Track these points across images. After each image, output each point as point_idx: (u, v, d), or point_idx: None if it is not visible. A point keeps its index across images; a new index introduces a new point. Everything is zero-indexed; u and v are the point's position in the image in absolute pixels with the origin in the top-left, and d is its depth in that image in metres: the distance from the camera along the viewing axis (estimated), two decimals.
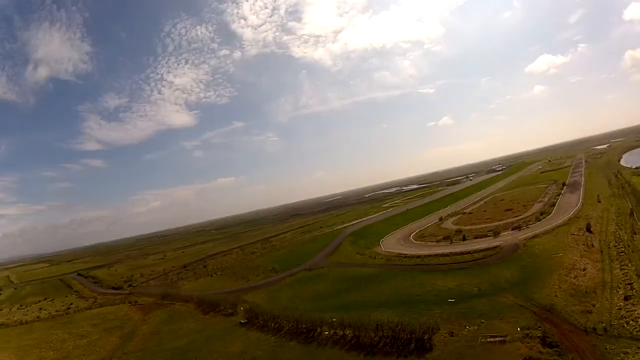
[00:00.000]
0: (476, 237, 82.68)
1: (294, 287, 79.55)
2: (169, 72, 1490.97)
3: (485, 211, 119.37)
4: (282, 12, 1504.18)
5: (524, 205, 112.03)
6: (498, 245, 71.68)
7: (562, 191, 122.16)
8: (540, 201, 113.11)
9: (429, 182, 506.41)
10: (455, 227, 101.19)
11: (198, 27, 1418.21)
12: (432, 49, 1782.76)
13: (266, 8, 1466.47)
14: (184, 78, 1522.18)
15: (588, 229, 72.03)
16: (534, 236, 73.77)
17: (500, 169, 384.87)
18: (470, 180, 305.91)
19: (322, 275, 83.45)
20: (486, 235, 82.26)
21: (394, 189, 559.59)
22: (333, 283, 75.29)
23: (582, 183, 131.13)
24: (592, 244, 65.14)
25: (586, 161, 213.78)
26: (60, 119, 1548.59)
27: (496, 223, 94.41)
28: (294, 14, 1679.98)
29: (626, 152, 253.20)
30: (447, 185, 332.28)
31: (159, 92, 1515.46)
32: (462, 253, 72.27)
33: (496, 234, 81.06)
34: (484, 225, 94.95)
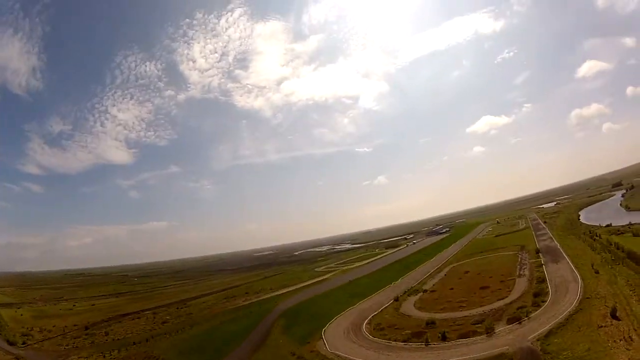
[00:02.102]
0: (461, 336, 64.31)
1: None
2: (113, 105, 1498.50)
3: (452, 289, 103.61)
4: (230, 58, 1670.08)
5: (501, 282, 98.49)
6: (503, 352, 53.47)
7: (542, 260, 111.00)
8: (521, 275, 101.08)
9: (364, 242, 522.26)
10: (422, 315, 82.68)
11: (148, 63, 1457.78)
12: (373, 107, 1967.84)
13: (216, 52, 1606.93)
14: (127, 114, 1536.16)
15: (614, 315, 59.02)
16: (549, 333, 57.69)
17: (444, 230, 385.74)
18: (414, 243, 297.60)
19: None
20: (475, 332, 64.48)
21: (325, 248, 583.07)
22: None
23: (560, 249, 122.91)
24: (630, 337, 51.48)
25: (545, 222, 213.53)
26: (6, 135, 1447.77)
27: (478, 310, 78.06)
28: (242, 61, 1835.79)
29: (581, 209, 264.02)
30: (386, 248, 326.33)
31: (102, 125, 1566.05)
32: None
33: (489, 329, 63.71)
34: (462, 314, 77.72)
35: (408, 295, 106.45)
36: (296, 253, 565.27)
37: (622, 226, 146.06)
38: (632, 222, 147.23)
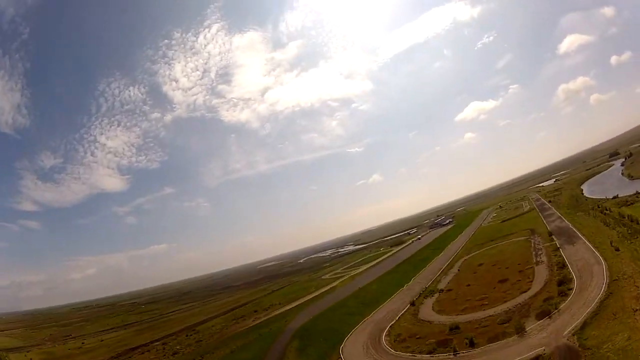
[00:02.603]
0: (491, 339, 61.08)
1: None
2: (102, 133, 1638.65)
3: (469, 285, 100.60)
4: (212, 74, 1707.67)
5: (520, 272, 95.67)
6: (540, 354, 50.47)
7: (557, 243, 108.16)
8: (539, 262, 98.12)
9: (366, 242, 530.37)
10: (443, 320, 79.56)
11: (131, 88, 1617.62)
12: (359, 107, 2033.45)
13: (197, 70, 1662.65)
14: (116, 141, 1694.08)
15: None
16: (584, 325, 54.91)
17: (447, 221, 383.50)
18: (419, 238, 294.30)
19: None
20: (505, 334, 61.35)
21: (329, 252, 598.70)
22: None
23: (573, 228, 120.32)
24: None
25: (550, 201, 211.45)
26: None
27: (502, 307, 74.91)
28: (224, 76, 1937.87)
29: (582, 183, 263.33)
30: (391, 246, 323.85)
31: (92, 155, 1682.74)
32: None
33: (519, 329, 60.54)
34: (486, 313, 74.55)
35: (424, 298, 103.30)
36: (300, 261, 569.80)
37: (630, 196, 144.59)
38: (639, 191, 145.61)
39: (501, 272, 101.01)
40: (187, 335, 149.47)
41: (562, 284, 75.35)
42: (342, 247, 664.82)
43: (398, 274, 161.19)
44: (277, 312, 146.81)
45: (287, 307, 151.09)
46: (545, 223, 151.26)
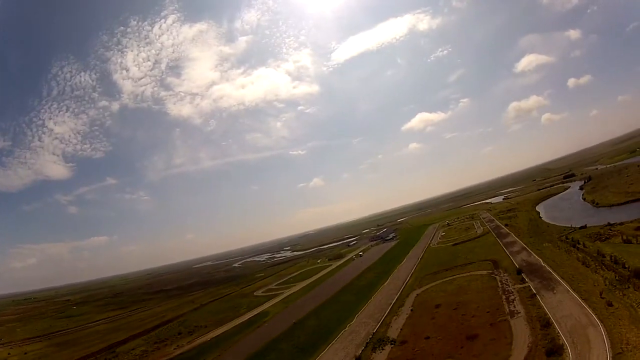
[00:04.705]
0: None
1: None
2: (50, 118, 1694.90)
3: (428, 338, 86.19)
4: (163, 66, 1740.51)
5: (491, 325, 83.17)
6: None
7: (531, 286, 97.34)
8: (514, 313, 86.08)
9: (304, 249, 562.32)
10: None
11: (82, 73, 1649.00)
12: (305, 110, 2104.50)
13: (149, 60, 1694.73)
14: (64, 127, 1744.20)
15: None
16: None
17: (391, 236, 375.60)
18: (360, 255, 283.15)
19: None
20: None
21: (265, 257, 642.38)
22: None
23: (546, 267, 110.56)
24: None
25: (506, 225, 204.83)
26: None
27: None
28: (175, 69, 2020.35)
29: (537, 204, 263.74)
30: (329, 259, 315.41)
31: (40, 139, 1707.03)
32: None
33: None
34: None
35: (372, 351, 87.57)
36: (235, 265, 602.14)
37: (602, 227, 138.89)
38: (611, 222, 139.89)
39: (467, 323, 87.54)
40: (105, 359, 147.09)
41: (552, 354, 62.45)
42: (278, 251, 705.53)
43: (339, 305, 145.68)
44: (202, 340, 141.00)
45: (214, 334, 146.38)
46: (508, 254, 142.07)
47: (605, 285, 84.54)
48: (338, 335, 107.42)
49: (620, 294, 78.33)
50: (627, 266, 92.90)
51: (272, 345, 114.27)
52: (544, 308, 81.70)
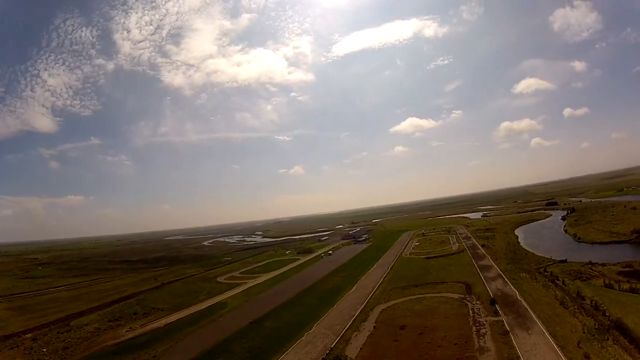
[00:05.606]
0: None
1: None
2: (45, 69, 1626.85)
3: None
4: (164, 32, 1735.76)
5: None
6: None
7: (504, 321, 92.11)
8: (484, 350, 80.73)
9: (275, 237, 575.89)
10: None
11: (84, 29, 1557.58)
12: (298, 97, 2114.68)
13: (151, 25, 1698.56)
14: (57, 80, 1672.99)
15: None
16: None
17: (363, 237, 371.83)
18: (330, 254, 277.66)
19: None
20: None
21: (235, 239, 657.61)
22: None
23: (522, 301, 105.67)
24: None
25: (483, 245, 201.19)
26: None
27: None
28: (175, 37, 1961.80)
29: (516, 227, 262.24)
30: (298, 253, 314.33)
31: (32, 90, 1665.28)
32: None
33: None
34: None
35: None
36: (205, 243, 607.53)
37: (582, 265, 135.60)
38: (593, 262, 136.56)
39: (432, 353, 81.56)
40: (58, 332, 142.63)
41: None
42: (250, 235, 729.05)
43: (300, 307, 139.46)
44: (155, 326, 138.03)
45: (168, 320, 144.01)
46: (483, 279, 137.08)
47: (584, 333, 79.77)
48: (294, 344, 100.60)
49: (599, 345, 73.53)
50: (607, 314, 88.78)
51: (223, 346, 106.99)
52: (516, 349, 76.13)
